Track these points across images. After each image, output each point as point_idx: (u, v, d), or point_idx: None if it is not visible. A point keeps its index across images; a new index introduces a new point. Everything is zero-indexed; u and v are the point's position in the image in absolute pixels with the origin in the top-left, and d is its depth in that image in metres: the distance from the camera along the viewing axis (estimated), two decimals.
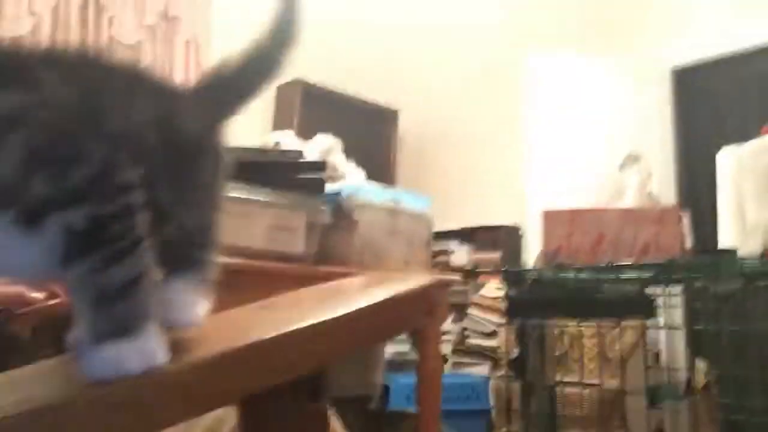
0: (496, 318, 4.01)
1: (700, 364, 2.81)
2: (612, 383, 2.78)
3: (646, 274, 1.50)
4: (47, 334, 1.12)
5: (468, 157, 4.93)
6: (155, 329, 0.38)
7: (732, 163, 1.56)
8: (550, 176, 4.08)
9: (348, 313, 0.41)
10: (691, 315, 1.92)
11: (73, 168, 0.37)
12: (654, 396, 1.93)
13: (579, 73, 4.09)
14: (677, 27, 3.94)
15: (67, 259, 0.38)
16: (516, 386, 2.00)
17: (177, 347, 0.38)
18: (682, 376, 2.21)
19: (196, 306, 0.44)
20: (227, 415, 0.68)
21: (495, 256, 4.45)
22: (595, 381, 2.76)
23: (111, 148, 0.39)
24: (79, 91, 0.40)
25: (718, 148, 2.10)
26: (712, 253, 1.47)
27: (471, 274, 4.47)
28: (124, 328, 0.37)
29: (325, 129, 4.63)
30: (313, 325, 0.39)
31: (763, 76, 3.73)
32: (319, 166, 2.35)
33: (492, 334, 3.94)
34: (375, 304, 0.43)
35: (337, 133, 4.00)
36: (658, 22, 4.05)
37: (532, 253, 3.97)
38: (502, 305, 4.04)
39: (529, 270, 1.69)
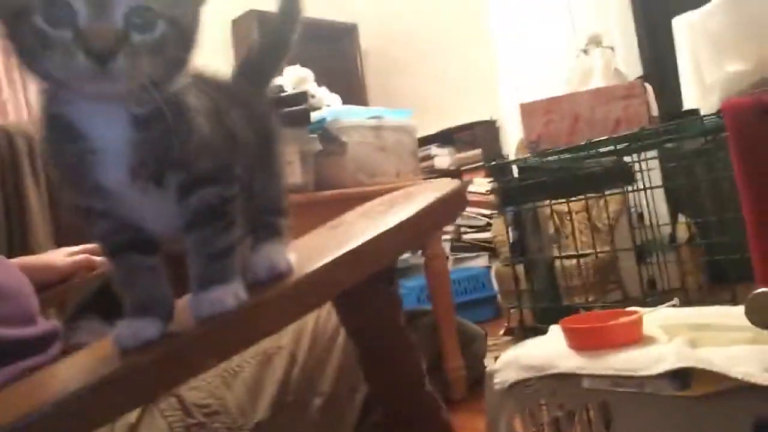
0: (487, 211, 4.21)
1: (682, 219, 3.03)
2: (604, 249, 3.01)
3: (622, 146, 1.65)
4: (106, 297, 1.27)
5: (435, 59, 4.96)
6: (240, 277, 0.52)
7: (686, 29, 1.68)
8: (519, 66, 4.16)
9: (415, 213, 0.54)
10: (668, 174, 2.09)
11: (217, 157, 0.50)
12: (642, 252, 2.12)
13: None
14: None
15: (192, 226, 0.51)
16: (519, 268, 2.18)
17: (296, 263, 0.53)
18: (666, 231, 2.40)
19: (283, 257, 0.57)
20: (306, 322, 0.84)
21: (476, 152, 4.58)
22: (589, 250, 2.98)
23: (231, 147, 0.53)
24: (216, 104, 0.52)
25: (676, 13, 2.20)
26: (677, 116, 1.61)
27: (456, 173, 4.62)
28: (224, 277, 0.50)
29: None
30: (393, 227, 0.52)
31: None
32: (301, 97, 2.44)
33: (486, 227, 4.14)
34: (432, 203, 0.56)
35: (299, 57, 4.01)
36: None
37: (511, 144, 4.11)
38: (492, 198, 4.23)
39: (515, 160, 1.83)
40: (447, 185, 0.65)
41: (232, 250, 0.51)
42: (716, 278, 2.56)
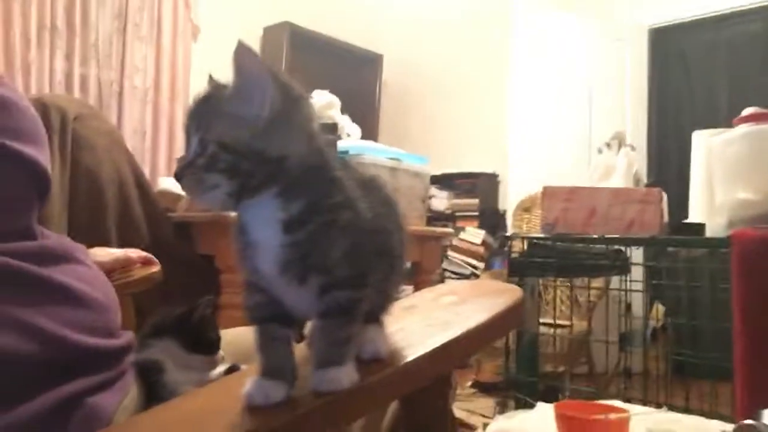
0: (474, 261, 4.32)
1: (659, 307, 3.16)
2: (581, 325, 3.13)
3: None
4: (149, 300, 1.33)
5: (450, 104, 5.09)
6: (354, 361, 0.60)
7: (704, 149, 1.81)
8: (531, 126, 4.30)
9: (487, 319, 0.64)
10: (654, 273, 2.20)
11: (357, 266, 0.59)
12: (623, 340, 2.24)
13: (561, 28, 4.27)
14: None
15: (322, 315, 0.60)
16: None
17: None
18: (649, 324, 2.52)
19: (384, 342, 0.66)
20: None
21: (473, 201, 4.70)
22: (566, 322, 3.10)
23: (375, 257, 0.61)
24: (378, 215, 0.61)
25: (686, 128, 2.34)
26: (685, 229, 1.73)
27: (451, 217, 4.73)
28: (342, 360, 0.59)
29: (311, 72, 4.74)
30: (471, 329, 0.62)
31: (730, 41, 3.98)
32: (333, 128, 2.54)
33: (470, 277, 4.24)
34: (500, 311, 0.66)
35: (323, 76, 4.10)
36: None
37: (509, 201, 4.25)
38: (481, 249, 4.33)
39: (532, 237, 1.94)
40: (510, 292, 0.74)
41: (352, 339, 0.60)
42: (678, 369, 2.67)
